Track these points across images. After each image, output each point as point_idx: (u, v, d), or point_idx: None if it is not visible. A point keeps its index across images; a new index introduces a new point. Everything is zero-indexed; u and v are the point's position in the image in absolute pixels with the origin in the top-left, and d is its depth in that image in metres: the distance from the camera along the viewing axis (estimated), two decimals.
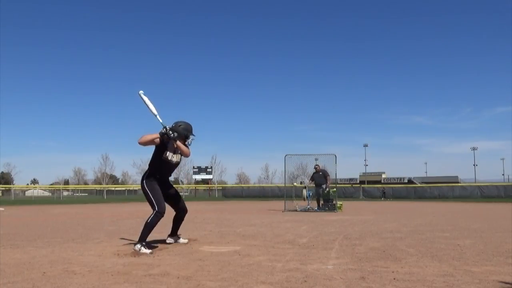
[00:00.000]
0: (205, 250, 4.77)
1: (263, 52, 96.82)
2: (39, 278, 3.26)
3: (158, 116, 5.04)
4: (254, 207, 18.22)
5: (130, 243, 5.27)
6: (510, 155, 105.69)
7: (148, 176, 4.99)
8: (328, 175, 14.55)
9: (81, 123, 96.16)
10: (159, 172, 5.00)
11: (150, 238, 5.73)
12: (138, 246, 4.60)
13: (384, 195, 36.58)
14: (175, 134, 4.85)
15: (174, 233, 5.34)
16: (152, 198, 4.84)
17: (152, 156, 5.01)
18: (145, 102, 5.11)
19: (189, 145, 5.09)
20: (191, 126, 5.09)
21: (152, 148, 5.01)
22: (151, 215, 4.77)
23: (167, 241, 5.28)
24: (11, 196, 48.77)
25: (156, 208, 4.77)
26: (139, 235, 4.74)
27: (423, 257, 4.23)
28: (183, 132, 4.97)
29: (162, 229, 5.46)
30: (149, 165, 5.05)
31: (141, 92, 5.14)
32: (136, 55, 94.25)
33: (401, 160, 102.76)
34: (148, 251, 4.56)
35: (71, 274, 3.41)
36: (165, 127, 4.87)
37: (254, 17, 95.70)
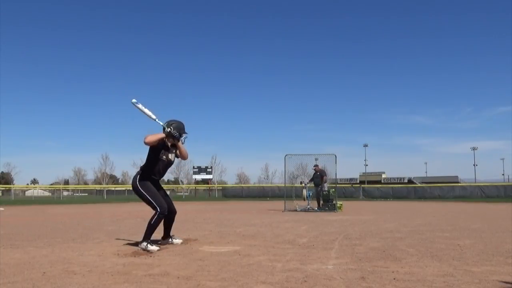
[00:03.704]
0: (205, 250, 4.77)
1: (263, 52, 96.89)
2: (39, 278, 3.26)
3: (157, 120, 5.06)
4: (254, 207, 18.22)
5: (130, 243, 5.27)
6: (510, 155, 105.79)
7: (141, 177, 4.97)
8: (325, 176, 14.55)
9: (81, 123, 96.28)
10: (154, 172, 5.00)
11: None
12: (144, 244, 4.66)
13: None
14: (178, 134, 4.91)
15: (167, 236, 5.23)
16: (151, 199, 4.85)
17: (148, 157, 4.99)
18: (141, 110, 5.10)
19: (183, 143, 5.11)
20: (183, 124, 5.10)
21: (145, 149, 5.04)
22: (155, 216, 4.79)
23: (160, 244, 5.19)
24: (11, 196, 48.66)
25: (159, 210, 4.80)
26: (142, 235, 4.76)
27: (423, 257, 4.23)
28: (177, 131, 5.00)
29: (162, 229, 5.45)
30: (145, 165, 5.01)
31: (133, 100, 5.10)
32: (136, 55, 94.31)
33: (401, 160, 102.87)
34: (155, 248, 4.62)
35: (71, 274, 3.41)
36: (169, 127, 4.89)
37: (254, 17, 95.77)
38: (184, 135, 5.08)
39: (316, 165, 15.10)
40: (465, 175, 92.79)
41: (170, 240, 5.22)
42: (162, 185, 5.27)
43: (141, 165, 5.13)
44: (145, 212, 13.88)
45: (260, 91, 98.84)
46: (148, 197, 4.86)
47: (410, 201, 29.11)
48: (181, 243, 5.23)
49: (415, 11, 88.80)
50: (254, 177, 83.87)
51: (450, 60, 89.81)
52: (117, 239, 5.88)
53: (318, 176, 14.48)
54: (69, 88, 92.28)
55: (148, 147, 4.93)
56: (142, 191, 4.89)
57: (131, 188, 5.59)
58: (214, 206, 20.14)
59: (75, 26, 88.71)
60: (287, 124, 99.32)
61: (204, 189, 55.55)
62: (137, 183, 4.95)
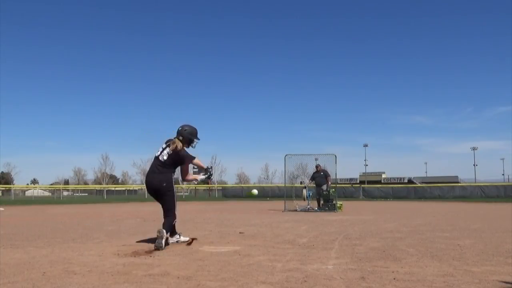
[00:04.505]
0: (205, 250, 4.77)
1: (263, 52, 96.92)
2: (39, 278, 3.26)
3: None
4: (254, 207, 18.22)
5: (130, 243, 5.27)
6: (510, 155, 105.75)
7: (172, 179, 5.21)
8: (329, 176, 14.53)
9: (81, 123, 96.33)
10: None
11: (150, 238, 5.74)
12: (177, 236, 5.15)
13: None
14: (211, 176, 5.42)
15: (174, 233, 5.33)
16: (175, 204, 5.12)
17: (174, 165, 5.20)
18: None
19: (193, 148, 5.30)
20: (196, 130, 5.27)
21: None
22: (174, 218, 5.09)
23: (170, 241, 5.28)
24: (11, 196, 48.66)
25: (176, 211, 5.13)
26: (168, 234, 4.90)
27: (423, 257, 4.23)
28: (188, 136, 5.17)
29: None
30: (173, 170, 5.20)
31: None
32: (136, 55, 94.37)
33: (401, 160, 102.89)
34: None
35: (71, 274, 3.41)
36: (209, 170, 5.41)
37: (254, 17, 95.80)
38: (195, 141, 5.28)
39: (318, 165, 15.09)
40: (465, 175, 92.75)
41: (178, 236, 5.35)
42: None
43: (165, 162, 5.13)
44: (145, 212, 13.87)
45: (260, 91, 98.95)
46: (175, 201, 5.13)
47: (410, 201, 29.11)
48: (187, 241, 5.35)
49: (415, 11, 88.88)
50: (254, 177, 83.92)
51: (450, 60, 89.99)
52: (117, 239, 5.87)
53: (322, 176, 14.45)
54: (69, 88, 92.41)
55: (177, 152, 5.15)
56: (174, 192, 5.15)
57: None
58: (214, 206, 20.14)
59: (75, 26, 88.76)
60: (287, 124, 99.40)
61: (204, 189, 55.53)
62: (172, 183, 5.16)
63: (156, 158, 5.15)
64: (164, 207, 5.10)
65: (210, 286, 2.99)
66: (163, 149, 5.13)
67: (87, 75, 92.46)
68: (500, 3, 79.69)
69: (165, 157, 5.09)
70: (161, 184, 5.03)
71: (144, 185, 6.85)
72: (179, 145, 5.06)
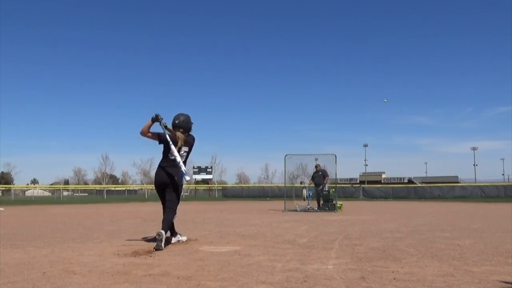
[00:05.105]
0: (205, 250, 4.77)
1: (263, 52, 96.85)
2: (39, 278, 3.26)
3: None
4: (254, 207, 18.21)
5: (130, 243, 5.27)
6: (510, 155, 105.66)
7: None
8: (327, 175, 14.57)
9: (81, 123, 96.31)
10: None
11: (150, 238, 5.74)
12: (178, 236, 5.22)
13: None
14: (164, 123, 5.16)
15: (173, 232, 5.34)
16: (179, 199, 5.21)
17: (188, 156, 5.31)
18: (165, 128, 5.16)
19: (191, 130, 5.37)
20: (189, 115, 5.34)
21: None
22: (175, 214, 5.11)
23: (172, 241, 5.28)
24: (11, 196, 48.59)
25: (177, 209, 5.17)
26: (167, 233, 4.95)
27: (423, 257, 4.23)
28: (187, 126, 5.26)
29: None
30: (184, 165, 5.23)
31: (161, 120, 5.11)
32: (136, 55, 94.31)
33: (401, 160, 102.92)
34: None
35: (71, 274, 3.41)
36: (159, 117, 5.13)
37: (254, 17, 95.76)
38: (192, 127, 5.38)
39: (318, 165, 15.13)
40: (465, 175, 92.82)
41: (179, 236, 5.38)
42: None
43: (185, 161, 5.21)
44: (145, 212, 13.86)
45: (260, 91, 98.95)
46: (179, 197, 5.22)
47: (410, 201, 29.12)
48: (185, 241, 5.39)
49: (415, 11, 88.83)
50: (254, 177, 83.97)
51: (450, 60, 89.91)
52: (117, 239, 5.87)
53: (320, 176, 14.48)
54: (69, 88, 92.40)
55: (190, 147, 5.29)
56: (181, 189, 5.25)
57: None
58: (214, 206, 20.13)
59: (76, 26, 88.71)
60: (287, 124, 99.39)
61: (204, 189, 55.53)
62: (182, 180, 5.18)
63: (168, 157, 5.17)
64: (168, 201, 5.11)
65: (210, 286, 2.99)
66: (179, 152, 5.12)
67: (87, 75, 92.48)
68: (500, 3, 79.70)
69: (184, 157, 5.21)
70: (172, 177, 5.11)
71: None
72: (184, 136, 5.19)
